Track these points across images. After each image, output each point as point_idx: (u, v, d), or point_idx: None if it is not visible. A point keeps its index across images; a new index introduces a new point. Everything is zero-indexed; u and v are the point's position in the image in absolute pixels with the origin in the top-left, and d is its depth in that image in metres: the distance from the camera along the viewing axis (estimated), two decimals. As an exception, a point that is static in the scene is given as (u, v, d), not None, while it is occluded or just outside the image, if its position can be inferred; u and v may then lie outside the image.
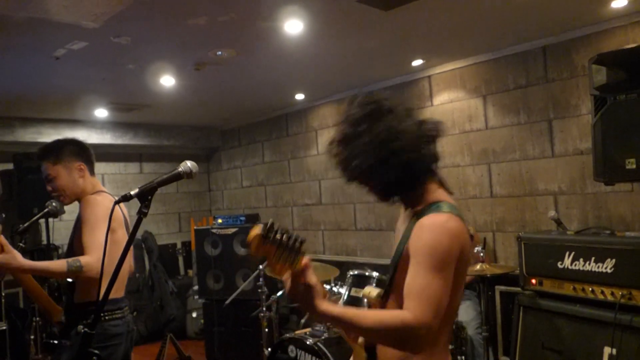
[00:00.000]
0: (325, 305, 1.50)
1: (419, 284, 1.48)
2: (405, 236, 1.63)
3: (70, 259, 2.43)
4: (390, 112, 1.63)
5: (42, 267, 2.53)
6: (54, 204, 2.89)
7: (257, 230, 1.39)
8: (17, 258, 2.41)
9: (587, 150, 3.97)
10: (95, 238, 2.51)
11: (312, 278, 1.50)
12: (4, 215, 2.71)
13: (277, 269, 1.44)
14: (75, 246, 2.66)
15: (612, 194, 3.92)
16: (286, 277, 1.50)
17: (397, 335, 1.45)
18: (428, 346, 1.46)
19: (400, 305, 1.53)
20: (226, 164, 8.08)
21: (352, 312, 1.51)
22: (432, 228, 1.54)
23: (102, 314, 2.56)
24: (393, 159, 1.59)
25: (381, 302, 1.72)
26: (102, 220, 2.53)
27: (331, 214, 6.28)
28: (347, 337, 1.78)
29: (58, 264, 2.45)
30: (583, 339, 3.05)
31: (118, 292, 2.71)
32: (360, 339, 1.75)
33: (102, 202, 2.65)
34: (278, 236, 1.40)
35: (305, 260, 1.47)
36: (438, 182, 1.72)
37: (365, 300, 1.78)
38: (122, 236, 2.68)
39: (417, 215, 1.63)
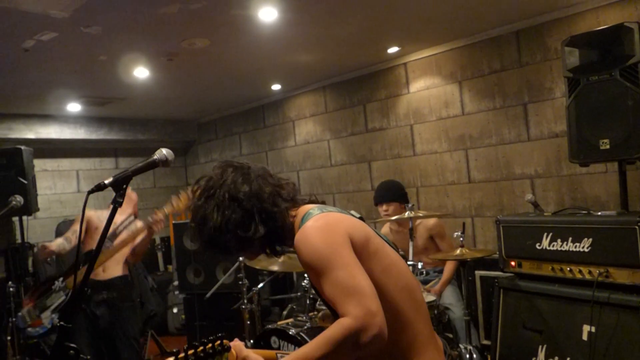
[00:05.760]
0: None
1: (331, 288, 1.48)
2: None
3: None
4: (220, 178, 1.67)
5: None
6: (17, 198, 2.82)
7: None
8: None
9: (562, 133, 4.01)
10: None
11: (243, 352, 1.51)
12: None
13: None
14: None
15: (587, 175, 3.96)
16: None
17: (353, 342, 1.39)
18: (386, 329, 1.42)
19: None
20: (203, 157, 7.99)
21: (300, 352, 1.48)
22: (304, 240, 1.54)
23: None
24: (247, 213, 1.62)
25: (333, 318, 1.65)
26: None
27: (310, 204, 6.24)
28: None
29: None
30: (563, 318, 3.08)
31: None
32: None
33: None
34: (191, 354, 1.32)
35: (233, 350, 1.46)
36: (298, 204, 1.72)
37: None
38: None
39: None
